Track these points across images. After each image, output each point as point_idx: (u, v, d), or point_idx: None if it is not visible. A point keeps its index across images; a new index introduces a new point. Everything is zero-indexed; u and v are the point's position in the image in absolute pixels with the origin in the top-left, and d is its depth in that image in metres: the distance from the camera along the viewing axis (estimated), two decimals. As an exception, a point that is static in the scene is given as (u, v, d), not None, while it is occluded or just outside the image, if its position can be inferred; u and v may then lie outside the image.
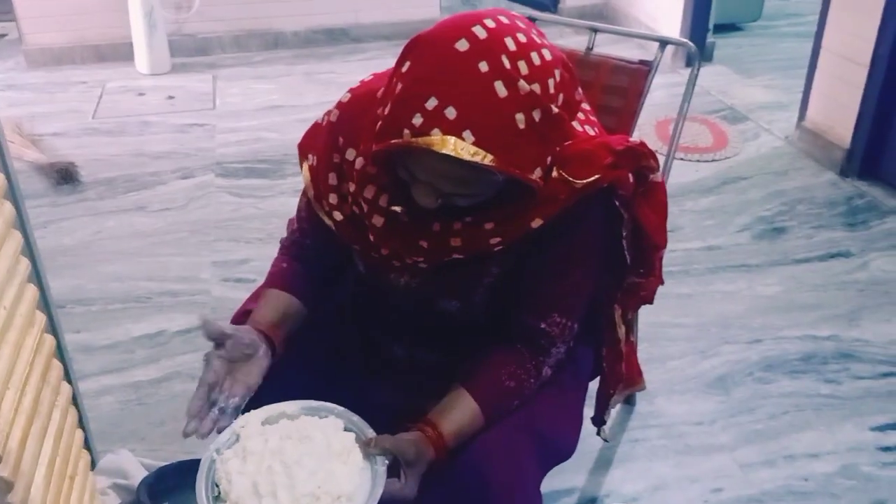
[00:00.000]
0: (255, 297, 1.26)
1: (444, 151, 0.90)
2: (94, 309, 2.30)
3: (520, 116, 0.92)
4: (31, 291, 0.79)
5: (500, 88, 0.91)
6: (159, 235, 2.67)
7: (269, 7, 4.27)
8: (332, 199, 1.14)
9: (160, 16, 3.92)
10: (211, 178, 3.04)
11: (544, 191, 1.04)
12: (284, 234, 1.31)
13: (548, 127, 0.96)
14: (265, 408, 1.08)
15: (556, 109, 0.95)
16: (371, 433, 1.06)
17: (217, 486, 0.99)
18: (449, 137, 0.90)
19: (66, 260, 2.51)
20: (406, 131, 0.92)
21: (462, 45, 0.92)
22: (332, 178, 1.13)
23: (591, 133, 1.12)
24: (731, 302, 2.33)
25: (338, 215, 1.15)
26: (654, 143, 3.18)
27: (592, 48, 1.67)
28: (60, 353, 1.39)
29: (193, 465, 1.33)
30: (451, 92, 0.91)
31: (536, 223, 1.06)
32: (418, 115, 0.91)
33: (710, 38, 4.06)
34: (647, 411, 1.94)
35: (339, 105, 1.15)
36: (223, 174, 3.07)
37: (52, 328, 1.36)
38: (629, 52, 1.73)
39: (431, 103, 0.91)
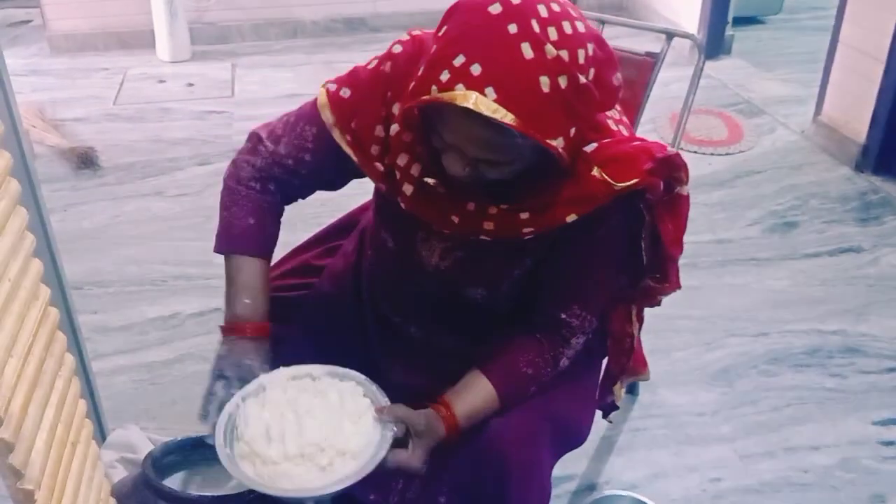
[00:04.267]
0: (244, 237, 1.29)
1: (464, 105, 0.90)
2: (111, 291, 2.34)
3: (544, 80, 0.92)
4: (36, 265, 0.82)
5: (527, 50, 0.91)
6: (176, 220, 2.71)
7: (288, -4, 4.31)
8: (374, 150, 1.15)
9: (181, 4, 3.96)
10: (228, 164, 3.07)
11: (584, 189, 1.05)
12: (249, 169, 1.35)
13: (574, 96, 0.95)
14: (294, 367, 1.14)
15: (584, 80, 0.95)
16: (386, 402, 1.09)
17: (236, 428, 1.06)
18: (470, 92, 0.91)
19: (84, 243, 2.56)
20: (434, 87, 0.94)
21: (495, 9, 0.93)
22: (379, 130, 1.14)
23: (626, 134, 1.12)
24: (739, 295, 2.33)
25: (379, 166, 1.15)
26: (668, 136, 3.17)
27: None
28: (74, 332, 1.44)
29: (199, 441, 1.36)
30: (479, 50, 0.92)
31: (571, 218, 1.08)
32: (446, 71, 0.93)
33: (729, 31, 4.03)
34: (649, 401, 1.95)
35: (392, 56, 1.15)
36: (239, 161, 3.10)
37: (66, 307, 1.41)
38: (649, 45, 1.74)
39: (459, 60, 0.92)
